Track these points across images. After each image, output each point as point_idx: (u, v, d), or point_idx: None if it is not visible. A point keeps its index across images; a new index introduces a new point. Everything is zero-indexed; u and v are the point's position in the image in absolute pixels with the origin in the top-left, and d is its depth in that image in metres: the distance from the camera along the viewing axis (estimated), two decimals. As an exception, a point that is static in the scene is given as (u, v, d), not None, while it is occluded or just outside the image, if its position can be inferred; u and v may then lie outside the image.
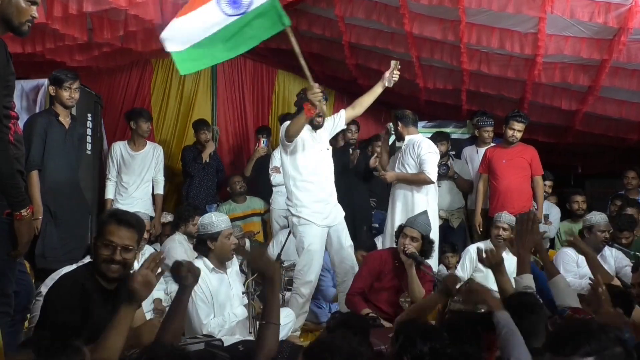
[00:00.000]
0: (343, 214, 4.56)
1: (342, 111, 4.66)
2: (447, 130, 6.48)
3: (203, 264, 3.57)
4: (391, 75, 4.53)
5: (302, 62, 3.91)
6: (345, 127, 4.85)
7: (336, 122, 4.61)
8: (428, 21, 5.38)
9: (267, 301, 2.48)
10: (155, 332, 2.56)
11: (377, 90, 4.61)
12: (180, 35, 3.73)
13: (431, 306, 2.95)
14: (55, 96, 4.34)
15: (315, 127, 4.42)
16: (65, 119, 4.40)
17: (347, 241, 4.49)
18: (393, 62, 4.59)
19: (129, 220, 2.61)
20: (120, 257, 2.54)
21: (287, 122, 4.36)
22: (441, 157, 5.89)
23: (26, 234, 2.48)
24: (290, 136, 4.22)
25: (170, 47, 3.74)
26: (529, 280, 2.72)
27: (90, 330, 2.39)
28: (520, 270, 2.80)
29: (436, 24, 5.39)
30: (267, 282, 2.50)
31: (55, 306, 2.48)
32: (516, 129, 5.38)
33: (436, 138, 5.91)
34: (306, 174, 4.37)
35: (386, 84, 4.56)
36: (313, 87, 4.06)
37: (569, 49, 5.02)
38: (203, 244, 3.67)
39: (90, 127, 5.28)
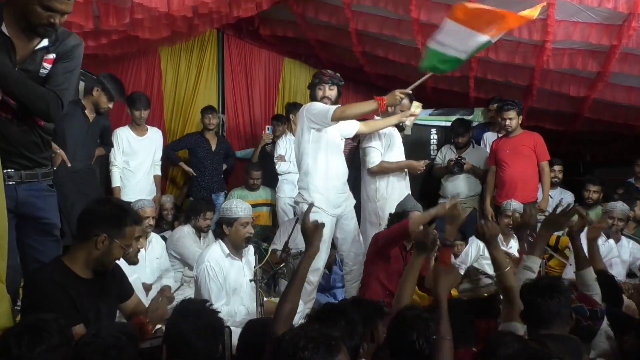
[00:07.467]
0: (354, 202, 4.56)
1: (357, 123, 4.52)
2: (454, 118, 6.41)
3: (219, 248, 3.69)
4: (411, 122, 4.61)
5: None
6: (351, 137, 4.73)
7: (349, 126, 4.50)
8: (435, 8, 5.33)
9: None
10: (164, 309, 2.74)
11: (391, 121, 4.55)
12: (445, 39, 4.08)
13: (414, 271, 2.95)
14: (96, 98, 4.67)
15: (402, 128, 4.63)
16: (90, 114, 4.66)
17: (356, 229, 4.50)
18: (416, 109, 4.58)
19: (140, 218, 2.83)
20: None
21: (319, 103, 4.26)
22: (462, 147, 5.88)
23: None
24: (342, 118, 4.14)
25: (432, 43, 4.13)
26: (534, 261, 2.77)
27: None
28: (530, 252, 2.86)
29: (443, 11, 5.30)
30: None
31: (50, 307, 2.27)
32: (507, 117, 5.35)
33: (457, 128, 5.85)
34: (326, 159, 4.29)
35: (406, 128, 4.62)
36: (407, 91, 4.19)
37: (578, 34, 4.97)
38: (220, 227, 3.75)
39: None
